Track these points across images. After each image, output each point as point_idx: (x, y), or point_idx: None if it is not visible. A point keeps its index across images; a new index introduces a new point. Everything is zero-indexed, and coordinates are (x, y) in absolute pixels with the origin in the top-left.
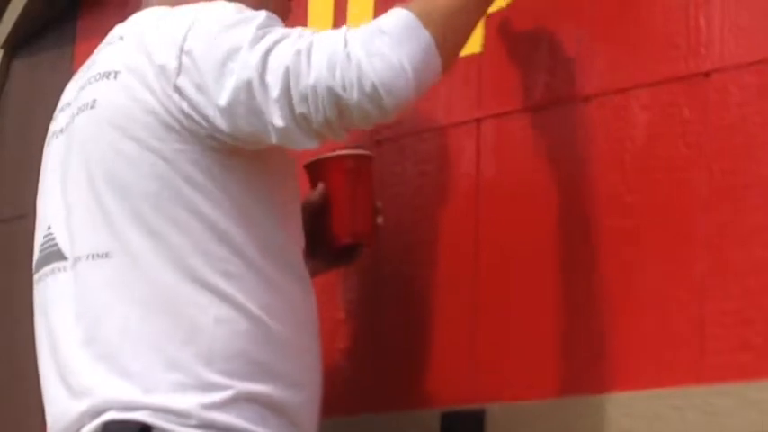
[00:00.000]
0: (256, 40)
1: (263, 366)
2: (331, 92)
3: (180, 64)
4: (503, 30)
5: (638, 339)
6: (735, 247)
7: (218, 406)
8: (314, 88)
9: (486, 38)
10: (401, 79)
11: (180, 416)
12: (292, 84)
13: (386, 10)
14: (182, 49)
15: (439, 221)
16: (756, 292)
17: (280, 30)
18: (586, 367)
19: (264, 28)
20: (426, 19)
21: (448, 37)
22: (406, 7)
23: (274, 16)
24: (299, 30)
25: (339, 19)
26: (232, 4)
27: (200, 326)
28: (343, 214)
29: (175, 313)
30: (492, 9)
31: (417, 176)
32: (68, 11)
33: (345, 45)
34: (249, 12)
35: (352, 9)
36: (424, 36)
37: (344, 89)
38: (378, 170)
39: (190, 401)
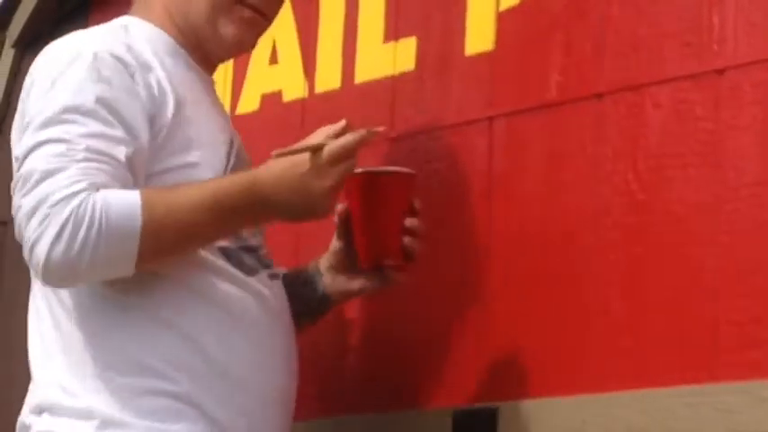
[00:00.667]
0: (44, 125)
1: (162, 362)
2: (21, 226)
3: (28, 93)
4: (515, 27)
5: (650, 337)
6: (746, 245)
7: (121, 407)
8: (20, 207)
9: (499, 35)
10: (66, 279)
11: (90, 419)
12: (17, 188)
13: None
14: (32, 81)
15: (451, 219)
16: None
17: (77, 127)
18: (599, 365)
19: (67, 113)
20: (151, 233)
21: (155, 254)
22: (146, 205)
23: (107, 99)
24: (83, 144)
25: (350, 16)
26: (91, 67)
27: (87, 329)
28: (359, 238)
29: (66, 323)
30: (504, 6)
31: (429, 174)
32: (79, 9)
33: (60, 202)
34: (84, 88)
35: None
36: (132, 251)
37: (26, 233)
38: None
39: (97, 404)
